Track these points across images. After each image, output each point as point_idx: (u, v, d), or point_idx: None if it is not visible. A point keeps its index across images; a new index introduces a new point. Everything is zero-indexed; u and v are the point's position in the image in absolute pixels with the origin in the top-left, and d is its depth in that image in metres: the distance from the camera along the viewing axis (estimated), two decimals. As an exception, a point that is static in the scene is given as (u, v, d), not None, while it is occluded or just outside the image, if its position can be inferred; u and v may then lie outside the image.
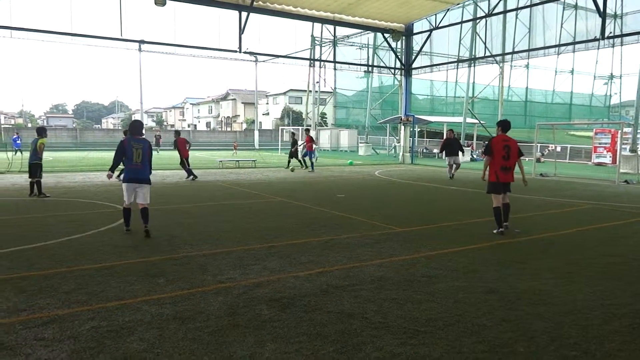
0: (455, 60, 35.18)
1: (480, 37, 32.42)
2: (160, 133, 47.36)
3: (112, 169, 7.76)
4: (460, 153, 18.25)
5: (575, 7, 37.31)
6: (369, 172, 21.13)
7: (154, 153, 9.48)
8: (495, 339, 3.80)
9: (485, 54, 31.27)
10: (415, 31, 28.06)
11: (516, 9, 29.78)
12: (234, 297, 4.70)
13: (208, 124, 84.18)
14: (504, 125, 8.21)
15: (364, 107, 47.01)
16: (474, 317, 4.25)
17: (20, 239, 7.10)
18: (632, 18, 35.19)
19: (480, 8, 26.62)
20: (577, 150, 31.89)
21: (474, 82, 38.89)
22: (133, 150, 7.48)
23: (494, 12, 24.77)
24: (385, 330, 3.94)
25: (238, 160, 25.71)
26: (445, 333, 3.90)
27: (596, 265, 6.06)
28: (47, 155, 12.48)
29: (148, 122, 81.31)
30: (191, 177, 16.56)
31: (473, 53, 33.43)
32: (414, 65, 29.09)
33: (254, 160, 25.60)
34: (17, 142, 30.79)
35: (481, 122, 35.83)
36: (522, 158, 8.22)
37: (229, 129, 73.62)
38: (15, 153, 26.43)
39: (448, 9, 25.34)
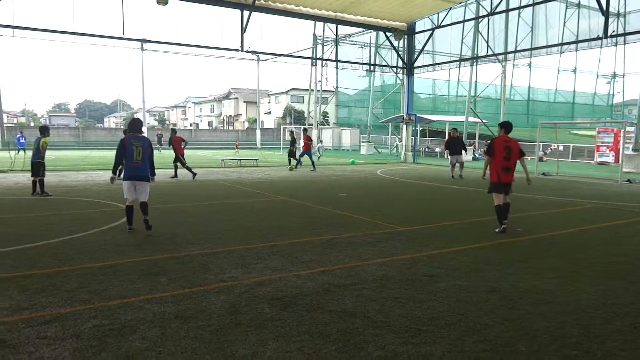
0: (458, 59, 35.11)
1: (482, 36, 32.34)
2: (162, 132, 47.42)
3: (115, 170, 7.82)
4: (463, 152, 18.26)
5: (578, 5, 37.22)
6: (370, 171, 21.12)
7: (156, 152, 9.51)
8: (497, 338, 3.80)
9: (487, 52, 31.20)
10: (417, 30, 28.03)
11: (519, 8, 29.74)
12: (235, 295, 4.71)
13: (210, 123, 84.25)
14: (506, 126, 8.35)
15: (366, 106, 46.98)
16: (475, 316, 4.25)
17: (22, 237, 7.12)
18: (635, 17, 35.08)
19: (483, 7, 26.55)
20: (580, 150, 31.81)
21: (476, 81, 38.82)
22: (133, 148, 7.56)
23: (497, 10, 24.73)
24: (387, 329, 3.94)
25: (240, 159, 25.73)
26: (447, 332, 3.90)
27: (598, 264, 6.05)
28: (49, 154, 12.52)
29: (150, 121, 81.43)
30: (193, 173, 16.68)
31: (475, 52, 33.34)
32: (416, 64, 29.05)
33: (255, 159, 25.62)
34: (21, 141, 30.87)
35: (483, 121, 35.75)
36: (524, 157, 8.31)
37: (231, 128, 73.66)
38: (18, 152, 26.51)
39: (450, 8, 25.29)
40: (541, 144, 25.09)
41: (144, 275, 5.32)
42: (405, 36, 28.03)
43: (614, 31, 23.83)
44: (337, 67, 44.78)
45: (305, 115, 51.58)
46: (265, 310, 4.34)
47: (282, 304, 4.50)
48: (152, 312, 4.26)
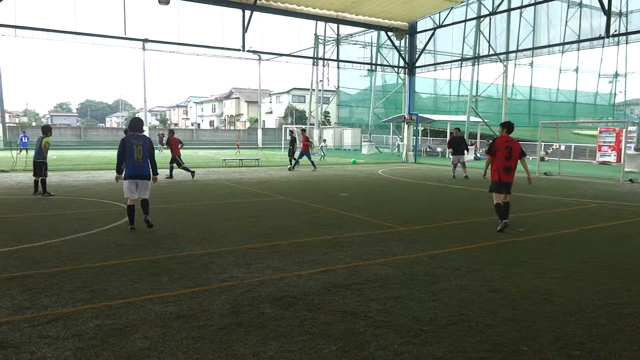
0: (459, 58, 35.09)
1: (484, 36, 32.30)
2: (164, 132, 47.46)
3: (118, 170, 7.86)
4: (465, 152, 18.23)
5: (580, 5, 37.16)
6: (372, 171, 21.12)
7: (157, 152, 9.54)
8: (498, 338, 3.79)
9: (489, 52, 31.17)
10: (419, 29, 28.00)
11: (520, 7, 29.70)
12: (237, 295, 4.71)
13: (211, 123, 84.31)
14: (508, 126, 8.46)
15: (368, 105, 46.98)
16: (477, 316, 4.25)
17: (25, 237, 7.13)
18: (637, 16, 35.05)
19: (484, 6, 26.55)
20: (582, 149, 31.78)
21: (477, 80, 38.80)
22: (134, 147, 7.65)
23: (498, 10, 24.72)
24: (388, 329, 3.94)
25: (241, 159, 25.75)
26: (448, 332, 3.89)
27: (601, 264, 6.04)
28: (51, 154, 12.54)
29: (152, 121, 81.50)
30: (190, 173, 16.79)
31: (477, 51, 33.31)
32: (417, 64, 29.02)
33: (257, 159, 25.64)
34: (24, 140, 30.92)
35: (485, 120, 35.73)
36: (525, 157, 8.36)
37: (232, 128, 73.73)
38: (20, 152, 26.57)
39: (452, 7, 25.28)
40: (543, 143, 25.06)
41: (146, 275, 5.33)
42: (407, 36, 28.01)
43: (615, 30, 23.77)
44: (338, 67, 44.82)
45: (307, 115, 51.56)
46: (267, 310, 4.34)
47: (283, 303, 4.50)
48: (153, 311, 4.26)
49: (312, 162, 21.30)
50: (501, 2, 23.97)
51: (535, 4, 27.17)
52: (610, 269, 5.84)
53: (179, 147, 17.05)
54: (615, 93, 48.58)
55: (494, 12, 24.81)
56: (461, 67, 41.56)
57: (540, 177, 18.20)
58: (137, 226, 7.75)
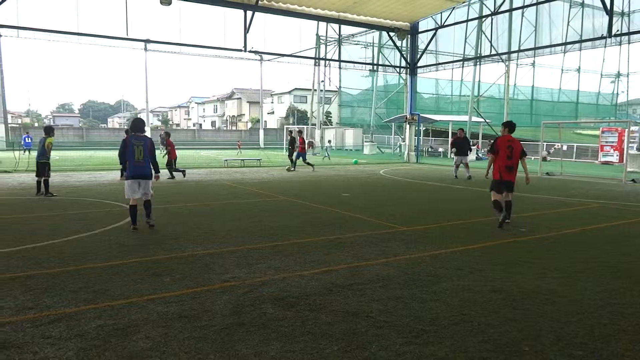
0: (461, 58, 35.05)
1: (486, 36, 32.30)
2: (165, 131, 47.50)
3: (124, 168, 7.99)
4: (468, 152, 18.17)
5: (582, 5, 37.08)
6: (374, 171, 21.11)
7: (158, 153, 9.59)
8: (500, 338, 3.79)
9: (491, 52, 31.16)
10: (420, 30, 27.98)
11: (522, 7, 29.63)
12: (239, 295, 4.71)
13: (213, 123, 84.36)
14: (510, 126, 8.61)
15: (369, 106, 46.98)
16: (479, 316, 4.24)
17: (27, 237, 7.15)
18: (639, 16, 34.96)
19: (486, 6, 26.54)
20: (584, 149, 31.72)
21: (479, 80, 38.79)
22: (134, 147, 7.74)
23: (500, 10, 24.67)
24: (390, 329, 3.94)
25: (243, 159, 25.77)
26: (450, 332, 3.89)
27: (603, 264, 6.03)
28: (53, 155, 12.56)
29: (154, 121, 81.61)
30: (181, 173, 16.90)
31: (479, 51, 33.29)
32: (419, 64, 29.01)
33: (259, 159, 25.65)
34: (27, 141, 30.97)
35: (487, 120, 35.70)
36: (526, 158, 8.42)
37: (234, 128, 73.78)
38: (24, 152, 26.63)
39: (454, 7, 25.26)
40: (545, 143, 25.01)
41: (148, 275, 5.34)
42: (409, 36, 27.99)
43: (618, 30, 23.74)
44: (340, 67, 44.82)
45: (309, 115, 51.57)
46: (269, 310, 4.34)
47: (285, 304, 4.50)
48: (155, 312, 4.27)
49: (308, 164, 21.18)
50: (503, 2, 23.91)
51: (537, 3, 27.13)
52: (613, 269, 5.83)
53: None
54: (617, 93, 48.55)
55: (495, 12, 24.78)
56: (463, 67, 41.55)
57: (542, 177, 18.17)
58: (139, 226, 7.79)
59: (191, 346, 3.59)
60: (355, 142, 43.48)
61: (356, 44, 43.30)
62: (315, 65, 44.29)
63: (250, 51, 24.36)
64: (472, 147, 21.23)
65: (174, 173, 16.91)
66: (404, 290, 4.92)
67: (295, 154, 21.26)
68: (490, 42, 30.91)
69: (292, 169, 21.11)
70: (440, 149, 36.73)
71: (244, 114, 77.03)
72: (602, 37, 20.79)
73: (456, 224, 8.82)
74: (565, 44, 29.24)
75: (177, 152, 17.60)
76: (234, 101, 79.15)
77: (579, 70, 46.20)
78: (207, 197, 12.29)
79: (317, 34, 43.54)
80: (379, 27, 28.14)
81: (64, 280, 5.11)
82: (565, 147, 28.79)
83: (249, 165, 23.90)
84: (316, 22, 36.51)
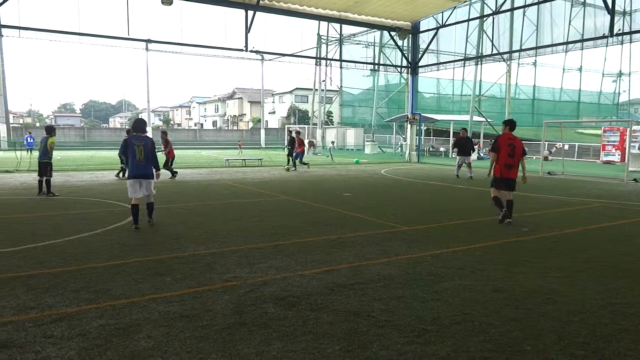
0: (462, 58, 35.02)
1: (487, 35, 32.24)
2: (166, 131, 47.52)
3: (126, 167, 8.11)
4: (471, 152, 18.10)
5: (584, 4, 37.02)
6: (375, 171, 21.10)
7: (159, 153, 9.64)
8: (502, 337, 3.79)
9: (492, 51, 31.11)
10: (422, 29, 27.97)
11: (524, 7, 29.58)
12: (240, 295, 4.72)
13: (214, 123, 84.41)
14: (510, 124, 8.71)
15: (370, 105, 46.97)
16: (481, 315, 4.24)
17: (29, 237, 7.16)
18: (641, 15, 34.88)
19: (488, 5, 26.45)
20: (585, 149, 31.68)
21: (480, 80, 38.72)
22: (135, 148, 7.81)
23: (501, 9, 24.63)
24: (391, 328, 3.94)
25: (244, 159, 25.78)
26: (452, 332, 3.89)
27: (605, 264, 6.02)
28: (55, 154, 12.58)
29: (155, 121, 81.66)
30: (174, 175, 16.86)
31: (480, 51, 33.24)
32: (420, 64, 28.99)
33: (260, 159, 25.65)
34: (29, 141, 31.01)
35: (488, 120, 35.66)
36: (527, 157, 8.46)
37: (235, 128, 73.81)
38: (28, 152, 26.67)
39: (455, 7, 25.23)
40: (546, 143, 24.98)
41: (149, 275, 5.34)
42: (410, 35, 27.97)
43: (619, 30, 23.68)
44: (341, 67, 44.77)
45: (310, 114, 51.56)
46: (270, 309, 4.34)
47: (286, 303, 4.50)
48: (157, 311, 4.27)
49: (303, 163, 21.41)
50: (504, 1, 23.87)
51: (538, 3, 27.06)
52: (614, 268, 5.82)
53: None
54: (619, 92, 48.43)
55: (497, 12, 24.75)
56: (464, 66, 41.48)
57: (543, 176, 18.14)
58: (141, 226, 7.82)
59: (193, 346, 3.60)
60: (356, 142, 43.45)
61: (357, 44, 43.28)
62: (316, 64, 44.24)
63: (251, 51, 24.38)
64: (475, 147, 21.03)
65: (180, 171, 16.93)
66: (406, 290, 4.92)
67: (295, 153, 21.34)
68: (492, 41, 30.86)
69: (293, 168, 21.13)
70: (442, 149, 36.70)
71: (245, 114, 77.06)
72: (603, 37, 20.73)
73: (457, 223, 8.82)
74: (567, 43, 29.17)
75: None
76: (235, 101, 79.19)
77: (580, 69, 46.12)
78: (208, 196, 12.30)
79: (318, 34, 43.49)
80: (380, 27, 28.13)
81: (66, 280, 5.11)
82: (566, 147, 28.73)
83: (250, 165, 23.91)
84: (317, 21, 36.52)
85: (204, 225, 8.32)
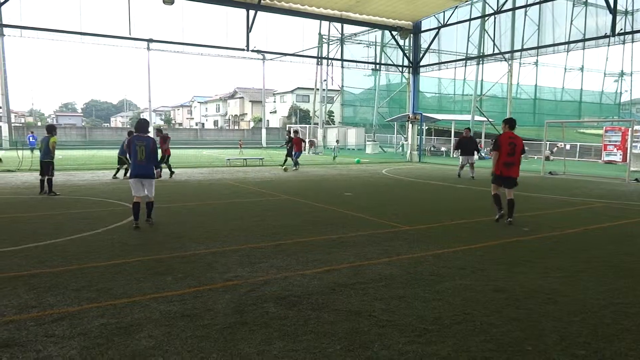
0: (464, 57, 34.98)
1: (488, 35, 32.18)
2: (167, 132, 47.55)
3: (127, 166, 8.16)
4: (475, 153, 18.01)
5: (585, 3, 36.97)
6: (376, 171, 21.09)
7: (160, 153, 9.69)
8: (503, 337, 3.79)
9: (493, 51, 31.05)
10: (423, 29, 27.94)
11: (525, 6, 29.56)
12: (241, 294, 4.72)
13: (216, 123, 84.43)
14: (510, 122, 8.79)
15: (372, 105, 46.95)
16: (482, 315, 4.24)
17: (30, 236, 7.18)
18: (642, 15, 34.80)
19: (489, 5, 26.44)
20: (587, 148, 31.64)
21: (482, 79, 38.64)
22: (137, 147, 7.87)
23: (503, 9, 24.58)
24: (392, 328, 3.94)
25: (246, 159, 25.79)
26: (453, 331, 3.89)
27: (606, 263, 6.01)
28: (56, 154, 12.59)
29: (156, 121, 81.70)
30: (172, 173, 16.89)
31: (481, 50, 33.21)
32: (421, 63, 28.96)
33: (261, 159, 25.66)
34: (31, 140, 31.04)
35: (489, 119, 35.62)
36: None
37: (236, 127, 73.83)
38: (31, 152, 26.68)
39: (456, 6, 25.20)
40: (548, 142, 24.95)
41: (150, 274, 5.35)
42: (411, 35, 27.94)
43: (621, 29, 23.62)
44: (342, 66, 44.76)
45: (311, 114, 51.55)
46: (271, 309, 4.34)
47: (287, 303, 4.51)
48: (158, 310, 4.28)
49: (296, 162, 21.41)
50: (506, 1, 23.84)
51: (540, 2, 27.02)
52: (615, 268, 5.81)
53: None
54: (620, 92, 48.35)
55: (498, 11, 24.71)
56: (466, 66, 41.44)
57: (545, 176, 18.12)
58: (141, 225, 7.84)
59: (194, 345, 3.60)
60: (357, 142, 43.43)
61: (359, 43, 43.25)
62: (317, 64, 44.23)
63: (252, 50, 24.35)
64: (478, 148, 20.74)
65: (180, 170, 16.93)
66: (407, 290, 4.92)
67: (295, 153, 21.35)
68: (493, 41, 30.80)
69: (294, 168, 21.13)
70: (443, 148, 36.67)
71: (246, 113, 77.07)
72: (605, 36, 20.68)
73: (459, 223, 8.81)
74: (569, 42, 29.15)
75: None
76: (237, 100, 79.21)
77: (582, 69, 46.04)
78: (209, 196, 12.30)
79: (319, 33, 43.48)
80: (382, 26, 28.11)
81: (67, 279, 5.12)
82: (568, 147, 28.72)
83: (252, 165, 23.92)
84: (319, 21, 36.49)
85: (205, 224, 8.33)
